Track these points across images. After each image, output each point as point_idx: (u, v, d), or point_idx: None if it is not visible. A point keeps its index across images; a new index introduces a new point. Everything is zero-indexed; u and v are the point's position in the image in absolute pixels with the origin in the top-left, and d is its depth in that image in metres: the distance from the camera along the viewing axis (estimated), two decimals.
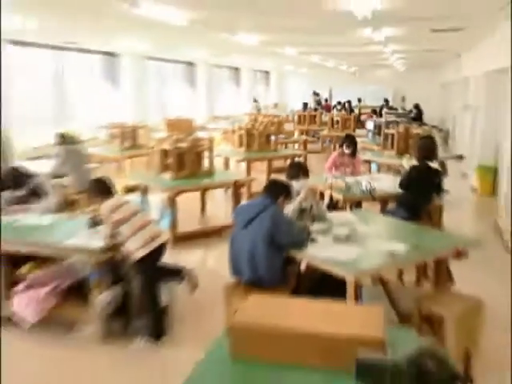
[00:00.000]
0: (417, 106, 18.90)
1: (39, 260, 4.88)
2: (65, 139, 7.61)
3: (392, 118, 14.60)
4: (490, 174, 9.29)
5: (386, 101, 21.56)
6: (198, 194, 8.26)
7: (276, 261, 3.95)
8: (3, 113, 10.31)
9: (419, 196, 5.56)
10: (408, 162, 6.12)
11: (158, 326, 4.30)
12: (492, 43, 9.78)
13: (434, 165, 6.11)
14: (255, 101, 21.35)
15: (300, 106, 20.19)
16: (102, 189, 4.34)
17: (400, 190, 5.74)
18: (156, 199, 7.62)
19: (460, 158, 12.86)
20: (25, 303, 4.33)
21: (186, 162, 7.18)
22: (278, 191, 4.19)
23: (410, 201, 5.53)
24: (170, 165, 7.06)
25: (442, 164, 6.72)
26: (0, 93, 8.16)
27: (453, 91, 17.40)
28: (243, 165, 9.68)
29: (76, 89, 14.08)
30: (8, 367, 4.00)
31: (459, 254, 4.17)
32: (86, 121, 14.07)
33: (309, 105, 21.10)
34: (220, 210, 8.77)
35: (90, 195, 4.47)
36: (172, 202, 6.70)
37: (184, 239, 6.82)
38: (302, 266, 4.39)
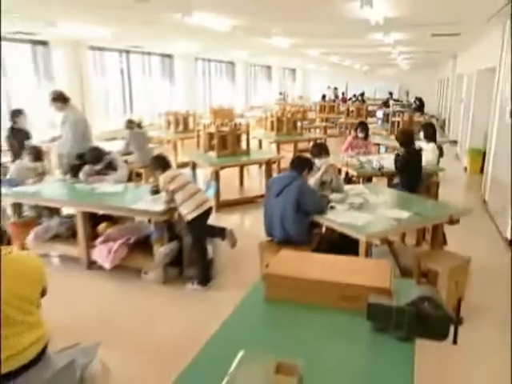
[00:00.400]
0: (420, 99, 18.39)
1: (113, 220, 5.01)
2: (131, 124, 7.69)
3: (398, 108, 14.28)
4: (479, 156, 9.08)
5: (391, 93, 21.24)
6: (237, 169, 8.28)
7: (302, 224, 3.94)
8: (84, 105, 10.50)
9: (414, 175, 5.43)
10: None
11: (205, 274, 4.35)
12: (483, 47, 9.49)
13: (421, 144, 6.01)
14: (281, 93, 21.35)
15: (320, 98, 20.03)
16: (162, 163, 4.36)
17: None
18: (203, 173, 7.68)
19: (454, 142, 12.53)
20: (103, 253, 4.45)
21: (227, 143, 7.17)
22: (302, 165, 4.15)
23: (407, 181, 5.39)
24: (215, 145, 7.06)
25: (440, 147, 6.58)
26: (0, 87, 8.08)
27: (449, 86, 16.86)
28: (274, 146, 9.63)
29: (140, 84, 14.15)
30: (93, 297, 4.21)
31: (452, 221, 4.10)
32: (147, 110, 14.19)
33: (327, 97, 20.91)
34: (255, 182, 8.78)
35: (152, 168, 4.49)
36: (216, 176, 6.72)
37: (225, 205, 6.85)
38: (323, 229, 4.39)
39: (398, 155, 5.53)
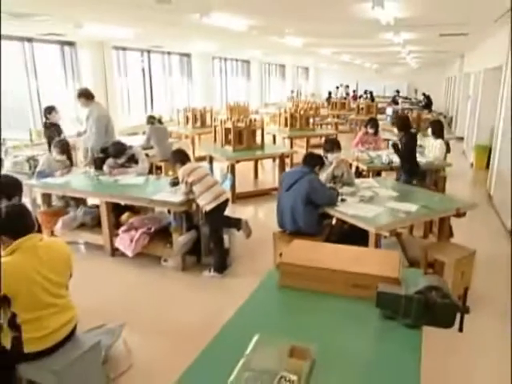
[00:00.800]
0: (427, 97, 18.13)
1: (134, 210, 5.06)
2: (152, 120, 7.72)
3: (407, 105, 14.12)
4: (485, 152, 8.95)
5: (398, 91, 21.02)
6: (251, 163, 8.28)
7: (312, 216, 3.93)
8: (108, 101, 10.57)
9: (415, 159, 5.38)
10: (420, 140, 5.93)
11: (222, 262, 4.38)
12: (489, 46, 9.33)
13: (429, 140, 5.98)
14: (292, 91, 21.43)
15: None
16: (182, 157, 4.36)
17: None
18: (219, 166, 7.69)
19: (461, 139, 12.36)
20: (125, 241, 4.48)
21: (243, 137, 7.16)
22: (314, 162, 4.13)
23: (410, 165, 5.31)
24: (231, 140, 7.06)
25: (447, 143, 6.49)
26: (0, 87, 8.10)
27: (456, 85, 16.60)
28: (287, 141, 9.59)
29: (160, 82, 14.19)
30: (116, 283, 4.27)
31: (459, 214, 4.06)
32: (167, 106, 14.23)
33: (338, 93, 20.85)
34: (269, 175, 8.77)
35: (172, 161, 4.47)
36: (232, 169, 6.73)
37: (241, 197, 6.86)
38: (334, 220, 4.37)
39: (395, 145, 5.44)
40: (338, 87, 23.23)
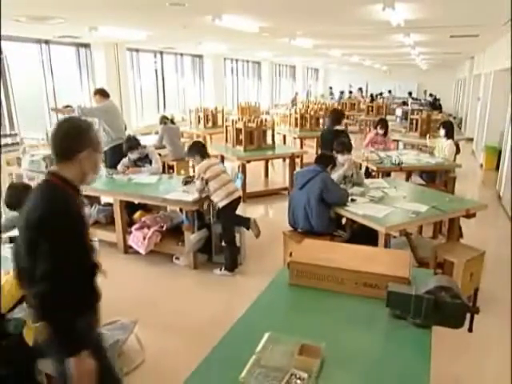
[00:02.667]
0: (434, 98, 17.95)
1: (146, 208, 5.08)
2: (165, 120, 7.74)
3: (416, 106, 14.00)
4: (495, 153, 8.85)
5: (410, 93, 20.83)
6: (262, 163, 8.27)
7: (324, 214, 3.91)
8: (122, 102, 10.63)
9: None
10: (430, 141, 5.87)
11: (233, 261, 4.38)
12: (499, 48, 9.21)
13: (440, 140, 5.97)
14: (296, 93, 21.42)
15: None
16: (200, 149, 4.37)
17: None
18: (230, 166, 7.68)
19: (471, 140, 12.23)
20: (138, 239, 4.51)
21: (254, 137, 7.15)
22: (327, 161, 4.15)
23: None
24: (242, 140, 7.06)
25: (456, 144, 6.43)
26: (0, 89, 8.12)
27: (466, 86, 16.42)
28: (297, 141, 9.57)
29: (172, 83, 14.24)
30: (129, 280, 4.29)
31: (468, 215, 4.02)
32: (179, 106, 14.28)
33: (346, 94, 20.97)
34: (279, 175, 8.76)
35: (191, 154, 4.40)
36: (243, 168, 6.72)
37: (251, 197, 6.85)
38: (344, 220, 4.35)
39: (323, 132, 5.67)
40: (331, 91, 23.30)
